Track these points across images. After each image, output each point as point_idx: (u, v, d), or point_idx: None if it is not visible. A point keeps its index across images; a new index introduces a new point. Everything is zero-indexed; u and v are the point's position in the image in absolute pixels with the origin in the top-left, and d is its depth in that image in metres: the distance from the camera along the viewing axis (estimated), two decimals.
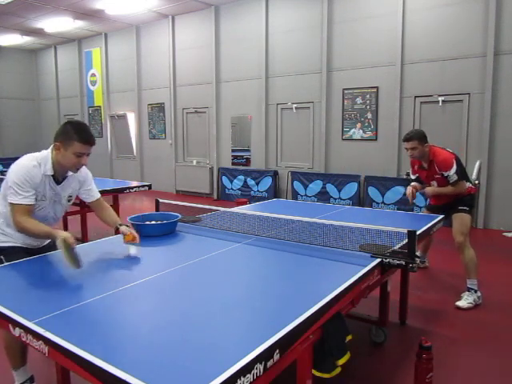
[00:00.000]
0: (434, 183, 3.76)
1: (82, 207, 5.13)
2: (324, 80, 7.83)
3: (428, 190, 3.79)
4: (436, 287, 4.10)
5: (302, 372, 1.67)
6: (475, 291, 3.63)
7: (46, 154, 2.33)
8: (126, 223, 2.60)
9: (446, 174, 3.62)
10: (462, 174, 3.68)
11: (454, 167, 3.61)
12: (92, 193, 2.64)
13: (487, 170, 6.43)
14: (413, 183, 3.93)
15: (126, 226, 2.50)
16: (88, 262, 2.22)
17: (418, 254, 3.66)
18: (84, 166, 2.45)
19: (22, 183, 2.22)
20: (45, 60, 13.90)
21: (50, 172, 2.31)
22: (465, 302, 3.59)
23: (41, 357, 2.72)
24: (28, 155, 2.33)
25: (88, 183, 2.61)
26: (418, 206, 6.56)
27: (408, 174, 4.16)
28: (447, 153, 3.70)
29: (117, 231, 2.51)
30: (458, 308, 3.55)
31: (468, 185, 3.76)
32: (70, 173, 2.43)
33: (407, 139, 3.68)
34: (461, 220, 3.67)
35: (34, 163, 2.27)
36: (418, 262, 2.19)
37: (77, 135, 2.25)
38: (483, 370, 2.69)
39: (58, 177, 2.39)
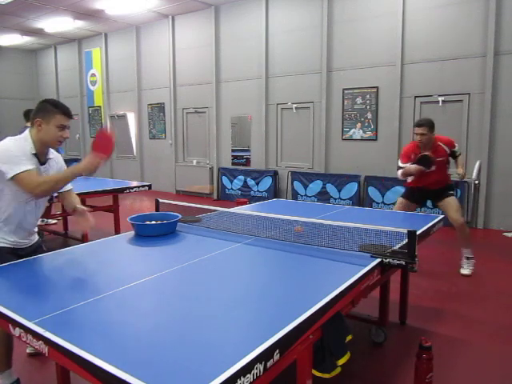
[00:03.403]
0: (433, 168, 4.14)
1: None
2: (324, 80, 7.83)
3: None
4: (436, 287, 4.10)
5: (302, 372, 1.66)
6: (472, 258, 4.35)
7: (25, 135, 2.32)
8: (127, 223, 2.60)
9: (454, 149, 4.33)
10: None
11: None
12: None
13: (487, 170, 6.43)
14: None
15: (83, 207, 2.54)
16: (88, 262, 2.23)
17: None
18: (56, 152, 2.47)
19: (17, 154, 2.18)
20: (45, 60, 13.90)
21: (32, 150, 2.29)
22: (468, 269, 4.31)
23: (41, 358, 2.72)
24: (6, 138, 2.30)
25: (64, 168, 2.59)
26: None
27: (399, 167, 4.30)
28: (445, 136, 4.44)
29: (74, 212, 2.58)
30: (464, 276, 4.25)
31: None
32: (52, 155, 2.43)
33: (419, 125, 4.13)
34: (455, 202, 4.29)
35: (16, 141, 2.26)
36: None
37: (57, 109, 2.31)
38: (483, 370, 2.69)
39: (41, 157, 2.36)
